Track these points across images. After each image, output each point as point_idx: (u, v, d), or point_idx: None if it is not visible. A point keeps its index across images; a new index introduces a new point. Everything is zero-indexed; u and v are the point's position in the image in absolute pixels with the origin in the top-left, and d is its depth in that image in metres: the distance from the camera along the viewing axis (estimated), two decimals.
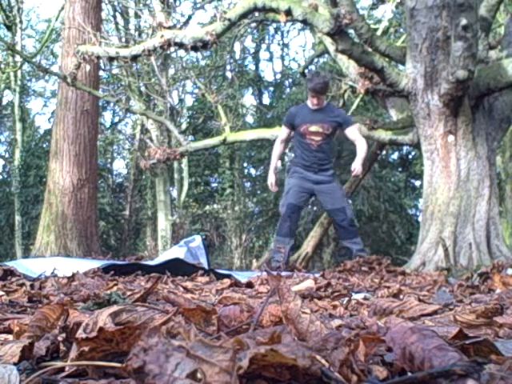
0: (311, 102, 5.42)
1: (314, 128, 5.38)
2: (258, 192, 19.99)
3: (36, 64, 10.01)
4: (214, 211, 19.51)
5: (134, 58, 7.24)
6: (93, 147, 9.17)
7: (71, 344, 0.79)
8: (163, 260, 3.60)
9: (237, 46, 18.03)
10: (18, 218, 18.12)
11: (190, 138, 18.51)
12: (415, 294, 1.95)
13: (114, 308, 0.90)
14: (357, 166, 5.50)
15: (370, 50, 6.60)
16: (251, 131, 9.50)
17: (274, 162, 5.81)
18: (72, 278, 2.38)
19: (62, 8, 12.16)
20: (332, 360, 0.63)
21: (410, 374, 0.66)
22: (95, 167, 9.34)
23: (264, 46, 21.76)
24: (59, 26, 14.38)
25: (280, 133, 5.91)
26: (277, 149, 5.84)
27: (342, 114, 5.72)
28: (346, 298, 1.74)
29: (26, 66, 18.71)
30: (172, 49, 7.65)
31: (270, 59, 23.85)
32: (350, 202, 15.73)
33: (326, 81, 5.44)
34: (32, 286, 2.06)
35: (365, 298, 1.85)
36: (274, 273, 0.90)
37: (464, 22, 5.46)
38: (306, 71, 12.01)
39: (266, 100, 22.49)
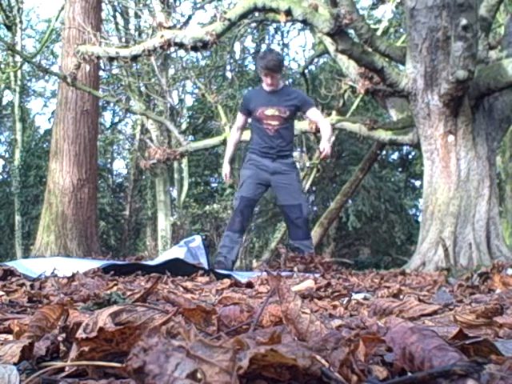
0: (265, 83, 4.99)
1: (270, 112, 4.98)
2: None
3: (36, 64, 10.01)
4: (214, 211, 19.50)
5: (134, 58, 7.24)
6: (93, 147, 9.17)
7: (71, 344, 0.79)
8: (163, 260, 3.59)
9: (237, 46, 18.04)
10: (18, 218, 18.12)
11: (190, 137, 18.51)
12: (415, 293, 1.95)
13: (114, 308, 0.90)
14: (326, 146, 5.00)
15: (370, 49, 6.60)
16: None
17: (230, 151, 5.41)
18: (72, 278, 2.38)
19: (62, 8, 12.17)
20: (332, 360, 0.63)
21: (410, 373, 0.66)
22: (95, 167, 9.35)
23: (264, 46, 21.76)
24: (59, 26, 14.38)
25: (237, 120, 5.51)
26: (233, 136, 5.42)
27: (301, 96, 5.27)
28: (346, 298, 1.74)
29: (26, 66, 18.72)
30: (172, 49, 7.65)
31: None
32: (349, 201, 15.71)
33: (280, 58, 5.02)
34: (32, 286, 2.06)
35: (365, 298, 1.85)
36: (274, 273, 0.90)
37: (464, 21, 5.46)
38: (306, 71, 12.02)
39: None
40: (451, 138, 6.34)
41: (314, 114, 5.19)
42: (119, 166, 41.08)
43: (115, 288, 1.99)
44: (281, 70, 5.05)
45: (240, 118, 5.35)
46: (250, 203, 5.11)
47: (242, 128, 5.41)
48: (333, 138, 5.45)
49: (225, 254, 4.83)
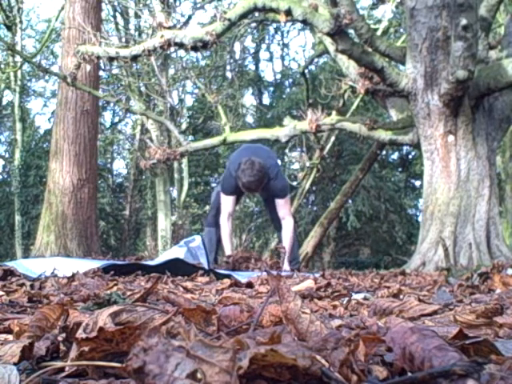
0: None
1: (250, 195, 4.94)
2: None
3: (36, 64, 10.01)
4: None
5: (134, 58, 7.24)
6: (93, 147, 9.17)
7: (71, 344, 0.79)
8: (163, 260, 3.59)
9: (237, 46, 18.04)
10: (18, 217, 18.12)
11: (190, 137, 18.51)
12: (415, 293, 1.95)
13: (114, 308, 0.90)
14: (285, 267, 4.54)
15: (370, 49, 6.60)
16: (251, 131, 9.49)
17: (229, 244, 4.85)
18: (72, 278, 2.38)
19: (62, 8, 12.16)
20: (332, 360, 0.63)
21: (410, 373, 0.66)
22: (95, 167, 9.34)
23: (264, 46, 21.78)
24: (59, 26, 14.38)
25: (224, 205, 4.86)
26: (227, 227, 4.84)
27: (277, 189, 4.81)
28: (346, 298, 1.74)
29: (26, 66, 18.72)
30: (172, 49, 7.65)
31: (270, 59, 23.87)
32: (349, 201, 15.70)
33: (261, 175, 4.52)
34: (32, 286, 2.06)
35: (365, 298, 1.85)
36: (274, 273, 0.90)
37: (464, 21, 5.46)
38: (306, 71, 12.01)
39: (266, 100, 22.54)
40: (451, 138, 6.34)
41: (279, 206, 4.84)
42: (119, 166, 41.10)
43: (115, 288, 1.99)
44: (262, 185, 4.64)
45: (229, 200, 4.82)
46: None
47: (233, 213, 4.97)
48: (290, 239, 4.84)
49: (211, 258, 4.76)
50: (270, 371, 0.58)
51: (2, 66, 17.20)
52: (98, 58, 7.40)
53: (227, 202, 4.83)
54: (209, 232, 5.13)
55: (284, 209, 4.83)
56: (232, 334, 0.87)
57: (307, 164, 12.14)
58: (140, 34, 16.76)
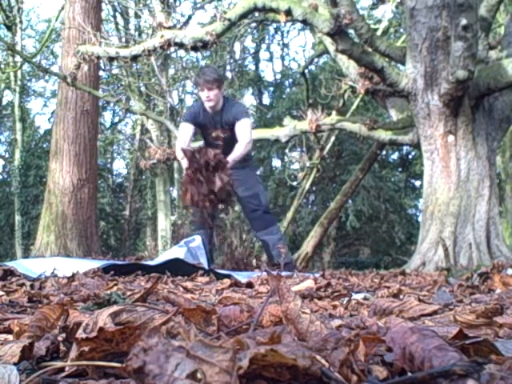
0: (203, 98, 4.76)
1: (213, 133, 4.86)
2: None
3: (36, 64, 10.01)
4: None
5: (134, 58, 7.24)
6: (93, 147, 9.16)
7: (71, 344, 0.79)
8: (163, 260, 3.60)
9: (237, 46, 18.04)
10: (18, 217, 18.12)
11: None
12: (415, 293, 1.95)
13: (114, 308, 0.90)
14: (229, 159, 4.53)
15: (370, 49, 6.60)
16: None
17: (185, 159, 4.50)
18: (72, 278, 2.38)
19: (62, 8, 12.16)
20: (332, 360, 0.63)
21: (410, 373, 0.66)
22: (95, 167, 9.34)
23: (264, 46, 21.78)
24: (59, 26, 14.38)
25: (183, 132, 4.92)
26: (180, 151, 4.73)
27: (236, 111, 4.83)
28: (346, 298, 1.74)
29: (26, 66, 18.72)
30: (172, 49, 7.65)
31: (270, 59, 23.88)
32: (349, 201, 15.68)
33: (219, 74, 4.89)
34: (32, 286, 2.06)
35: (365, 298, 1.85)
36: (274, 273, 0.90)
37: (464, 21, 5.46)
38: (306, 71, 12.00)
39: (266, 100, 22.53)
40: (451, 138, 6.34)
41: (239, 128, 4.78)
42: (119, 166, 41.06)
43: (115, 288, 1.99)
44: (217, 85, 4.73)
45: (189, 128, 4.85)
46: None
47: (190, 141, 4.88)
48: (241, 153, 4.70)
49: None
50: (270, 371, 0.58)
51: (2, 66, 17.20)
52: (98, 57, 7.40)
53: (184, 130, 4.86)
54: (198, 234, 5.15)
55: (244, 130, 4.77)
56: (232, 334, 0.87)
57: (307, 164, 12.13)
58: (140, 34, 16.76)
